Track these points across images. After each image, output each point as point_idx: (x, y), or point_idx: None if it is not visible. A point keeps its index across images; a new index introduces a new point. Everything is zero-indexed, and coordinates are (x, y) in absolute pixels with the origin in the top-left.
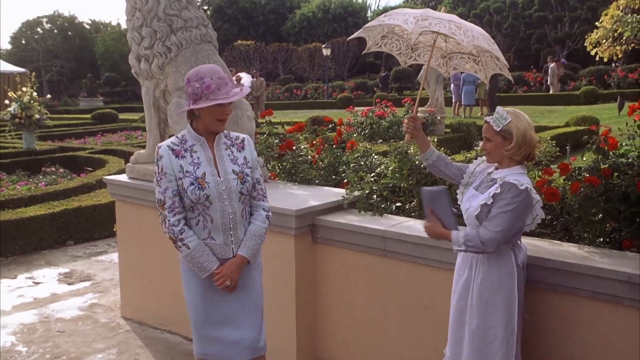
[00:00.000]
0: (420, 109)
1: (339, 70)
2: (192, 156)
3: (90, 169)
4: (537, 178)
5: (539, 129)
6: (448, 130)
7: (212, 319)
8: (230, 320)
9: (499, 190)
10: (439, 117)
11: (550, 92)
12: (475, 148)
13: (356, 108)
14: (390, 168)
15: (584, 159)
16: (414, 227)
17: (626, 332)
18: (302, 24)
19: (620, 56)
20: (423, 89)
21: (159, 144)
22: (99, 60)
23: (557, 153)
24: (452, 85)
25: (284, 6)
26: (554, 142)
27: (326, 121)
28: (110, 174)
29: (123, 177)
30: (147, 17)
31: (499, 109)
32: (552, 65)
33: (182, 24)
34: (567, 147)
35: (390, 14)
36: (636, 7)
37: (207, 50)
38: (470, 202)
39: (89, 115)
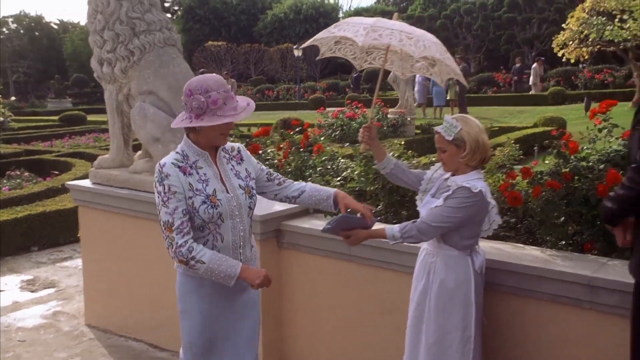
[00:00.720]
0: (390, 110)
1: (311, 71)
2: (198, 173)
3: (56, 172)
4: (500, 182)
5: (508, 129)
6: (418, 131)
7: (214, 339)
8: (231, 341)
9: (450, 192)
10: (409, 119)
11: (532, 92)
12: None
13: (328, 109)
14: (356, 172)
15: (546, 162)
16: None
17: (586, 335)
18: (274, 25)
19: (586, 57)
20: (379, 96)
21: (162, 162)
22: (67, 61)
23: (521, 156)
24: (416, 86)
25: (255, 7)
26: (518, 145)
27: (294, 124)
28: (77, 178)
29: (86, 183)
30: (109, 20)
31: (447, 117)
32: (534, 65)
33: (145, 27)
34: (535, 148)
35: (340, 24)
36: (601, 9)
37: (171, 53)
38: (426, 208)
39: (56, 117)
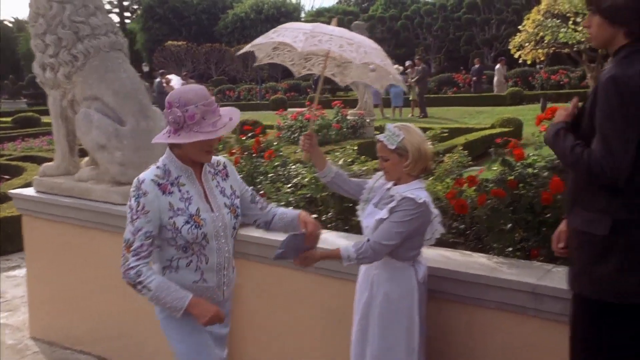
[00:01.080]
0: (350, 111)
1: (273, 72)
2: (180, 190)
3: (7, 177)
4: (448, 189)
5: (466, 130)
6: (377, 132)
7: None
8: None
9: (395, 204)
10: (368, 120)
11: (495, 92)
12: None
13: (290, 109)
14: (306, 179)
15: (494, 168)
16: (329, 239)
17: (531, 342)
18: (235, 25)
19: (542, 59)
20: (319, 103)
21: (141, 177)
22: (22, 61)
23: (470, 162)
24: (372, 87)
25: (216, 6)
26: (467, 151)
27: (245, 129)
28: (28, 183)
29: (30, 191)
30: (51, 23)
31: (389, 126)
32: (497, 66)
33: (90, 31)
34: (491, 150)
35: (278, 30)
36: (555, 11)
37: (117, 58)
38: (369, 219)
39: (9, 119)
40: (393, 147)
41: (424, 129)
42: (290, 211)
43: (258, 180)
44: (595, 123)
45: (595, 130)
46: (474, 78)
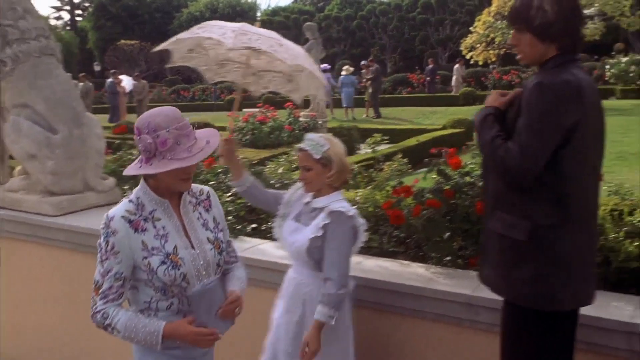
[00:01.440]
0: (302, 113)
1: None
2: (155, 226)
3: None
4: (387, 198)
5: (419, 131)
6: (330, 134)
7: None
8: None
9: (329, 220)
10: (320, 122)
11: (454, 92)
12: (358, 152)
13: (245, 110)
14: None
15: (434, 176)
16: (268, 250)
17: (467, 353)
18: (190, 24)
19: (494, 60)
20: (239, 110)
21: (110, 213)
22: None
23: (410, 169)
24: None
25: (170, 4)
26: (407, 159)
27: None
28: None
29: None
30: None
31: (313, 136)
32: (456, 66)
33: (19, 35)
34: (426, 160)
35: (204, 26)
36: (506, 13)
37: (49, 64)
38: (296, 236)
39: None
40: (318, 156)
41: (376, 130)
42: (236, 283)
43: None
44: (518, 116)
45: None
46: (428, 78)
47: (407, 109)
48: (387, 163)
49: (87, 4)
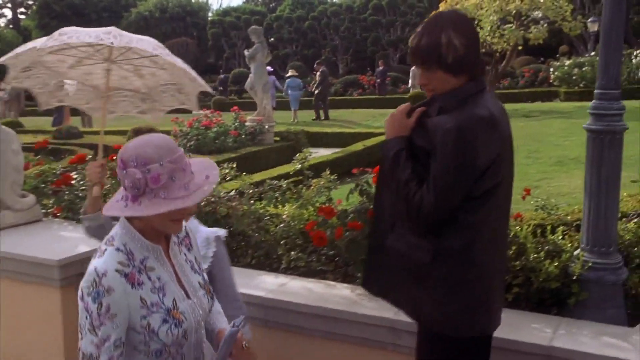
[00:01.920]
0: (248, 117)
1: None
2: (150, 278)
3: None
4: (314, 216)
5: (366, 135)
6: (277, 138)
7: None
8: None
9: (212, 248)
10: (267, 126)
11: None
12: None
13: (194, 112)
14: None
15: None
16: None
17: None
18: (139, 23)
19: None
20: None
21: (100, 269)
22: None
23: (338, 186)
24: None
25: (118, 4)
26: (336, 175)
27: (116, 148)
28: None
29: None
30: None
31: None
32: (413, 67)
33: None
34: (349, 180)
35: (67, 31)
36: None
37: None
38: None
39: None
40: None
41: (324, 134)
42: (222, 319)
43: None
44: (431, 163)
45: (428, 167)
46: (378, 80)
47: (357, 111)
48: (315, 180)
49: (30, 2)
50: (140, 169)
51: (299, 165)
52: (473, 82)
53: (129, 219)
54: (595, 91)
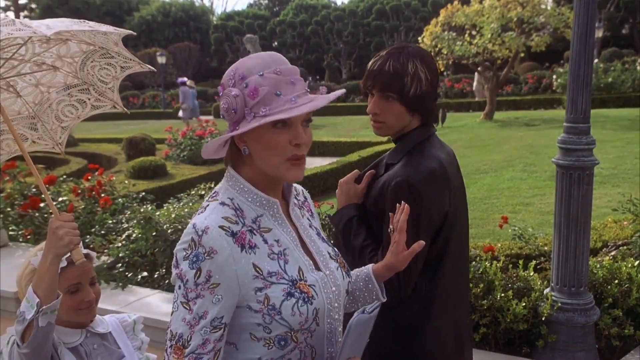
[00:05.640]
0: None
1: (181, 77)
2: (265, 240)
3: None
4: None
5: (363, 144)
6: None
7: None
8: None
9: None
10: None
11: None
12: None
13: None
14: (134, 234)
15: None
16: (153, 303)
17: None
18: (141, 28)
19: (442, 69)
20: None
21: (199, 223)
22: None
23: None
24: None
25: (121, 8)
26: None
27: (91, 168)
28: None
29: None
30: None
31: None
32: (479, 68)
33: None
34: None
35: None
36: (453, 24)
37: None
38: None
39: None
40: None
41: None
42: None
43: (93, 230)
44: (383, 223)
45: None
46: None
47: (356, 117)
48: None
49: (33, 6)
50: (238, 86)
51: None
52: (423, 128)
53: (237, 169)
54: (564, 124)
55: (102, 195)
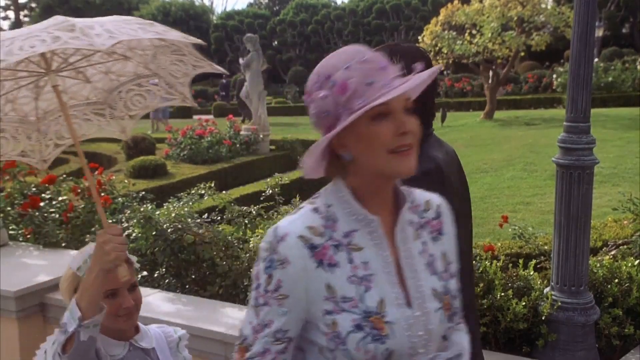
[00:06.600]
0: (243, 126)
1: None
2: (351, 260)
3: None
4: None
5: None
6: (273, 147)
7: None
8: None
9: None
10: (261, 135)
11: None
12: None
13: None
14: (134, 233)
15: None
16: (153, 303)
17: None
18: None
19: (442, 69)
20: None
21: (282, 228)
22: None
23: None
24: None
25: (121, 7)
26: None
27: (91, 167)
28: None
29: None
30: None
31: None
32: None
33: None
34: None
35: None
36: (454, 23)
37: None
38: None
39: None
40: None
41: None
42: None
43: (92, 230)
44: None
45: None
46: None
47: None
48: (284, 207)
49: (33, 5)
50: (325, 87)
51: (269, 191)
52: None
53: (341, 173)
54: (564, 124)
55: (102, 194)
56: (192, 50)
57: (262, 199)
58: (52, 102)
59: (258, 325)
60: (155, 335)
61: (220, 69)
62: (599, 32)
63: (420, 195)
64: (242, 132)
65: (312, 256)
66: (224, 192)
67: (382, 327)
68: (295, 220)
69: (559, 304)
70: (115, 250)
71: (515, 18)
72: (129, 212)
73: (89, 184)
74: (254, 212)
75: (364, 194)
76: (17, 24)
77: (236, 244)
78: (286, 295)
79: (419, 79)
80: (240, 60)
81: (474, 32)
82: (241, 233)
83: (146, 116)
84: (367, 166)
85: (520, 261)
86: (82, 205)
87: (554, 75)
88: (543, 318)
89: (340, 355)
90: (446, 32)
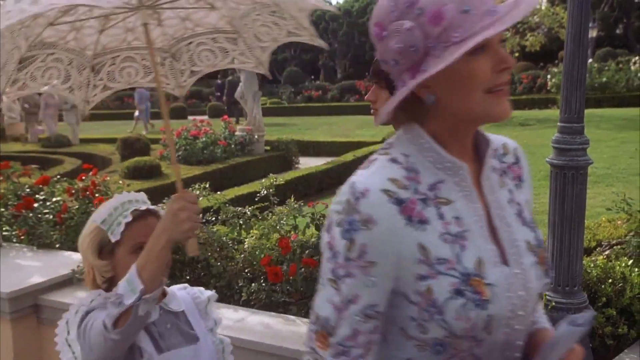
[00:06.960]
0: (238, 127)
1: None
2: (441, 215)
3: None
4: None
5: (357, 144)
6: (268, 148)
7: None
8: None
9: None
10: (256, 136)
11: None
12: (297, 167)
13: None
14: None
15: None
16: None
17: None
18: None
19: None
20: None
21: (359, 184)
22: None
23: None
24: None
25: None
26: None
27: (85, 168)
28: None
29: None
30: None
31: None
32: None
33: None
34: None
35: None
36: None
37: None
38: None
39: None
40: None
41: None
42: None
43: None
44: None
45: None
46: None
47: (352, 117)
48: (279, 208)
49: None
50: (408, 17)
51: (264, 192)
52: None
53: (419, 119)
54: (558, 124)
55: (96, 195)
56: (301, 16)
57: (256, 199)
58: (115, 38)
59: (341, 302)
60: (183, 298)
61: (322, 43)
62: (593, 33)
63: (496, 138)
64: (237, 133)
65: (401, 212)
66: (218, 192)
67: (483, 290)
68: (374, 173)
69: (553, 304)
70: (191, 220)
71: None
72: None
73: (168, 142)
74: (248, 212)
75: (446, 140)
76: None
77: (231, 245)
78: (373, 261)
79: (530, 3)
80: None
81: None
82: (236, 234)
83: (131, 117)
84: (456, 109)
85: None
86: (76, 207)
87: (549, 76)
88: None
89: (434, 327)
90: None
